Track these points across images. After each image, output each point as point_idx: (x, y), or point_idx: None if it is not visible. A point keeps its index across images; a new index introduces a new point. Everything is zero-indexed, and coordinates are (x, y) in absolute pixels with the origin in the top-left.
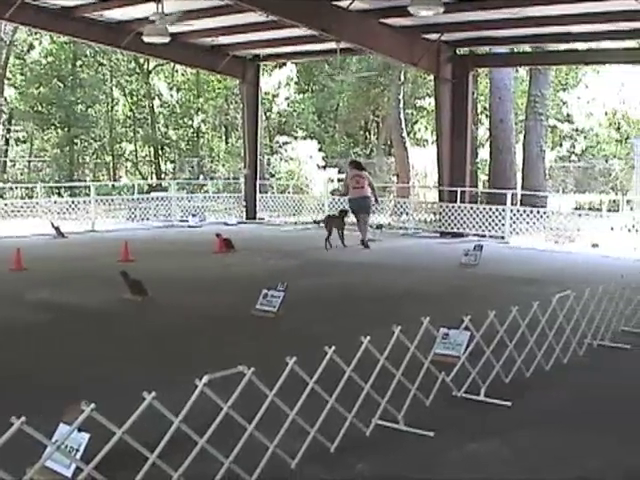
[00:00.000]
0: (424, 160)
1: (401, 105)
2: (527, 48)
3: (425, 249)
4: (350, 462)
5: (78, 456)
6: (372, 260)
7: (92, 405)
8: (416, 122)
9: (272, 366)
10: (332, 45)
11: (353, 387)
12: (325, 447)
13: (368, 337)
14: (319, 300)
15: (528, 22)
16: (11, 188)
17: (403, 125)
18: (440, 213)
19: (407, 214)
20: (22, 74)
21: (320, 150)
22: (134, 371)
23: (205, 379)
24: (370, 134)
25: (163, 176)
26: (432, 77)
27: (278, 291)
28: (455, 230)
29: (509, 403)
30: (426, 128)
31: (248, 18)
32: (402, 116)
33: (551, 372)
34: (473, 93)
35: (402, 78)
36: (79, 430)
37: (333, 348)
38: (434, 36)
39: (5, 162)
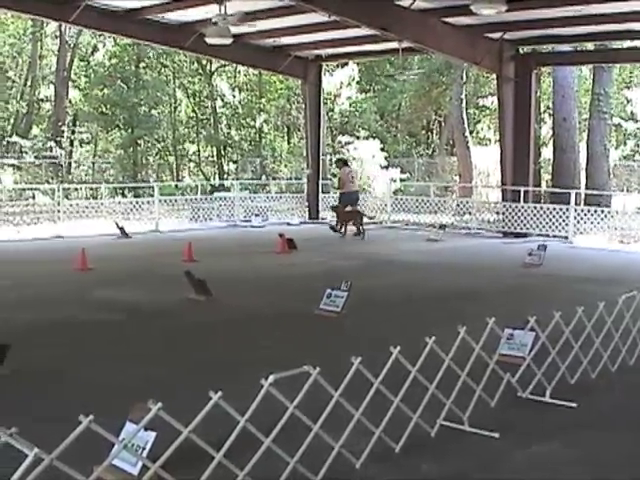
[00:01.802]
0: (486, 159)
1: (463, 104)
2: (590, 46)
3: (488, 249)
4: (415, 463)
5: (144, 454)
6: (435, 260)
7: (159, 404)
8: (478, 121)
9: (336, 366)
10: (394, 45)
11: (418, 388)
12: (390, 447)
13: (433, 337)
14: (382, 300)
15: (591, 20)
16: (76, 189)
17: (465, 124)
18: (503, 213)
19: (470, 214)
20: (86, 76)
21: (382, 150)
22: (198, 370)
23: (271, 379)
24: (432, 134)
25: (226, 176)
26: (494, 76)
27: (342, 291)
28: (518, 230)
29: (575, 404)
30: (489, 127)
31: (310, 18)
32: (464, 115)
33: (617, 373)
34: (536, 92)
35: (464, 77)
36: (145, 429)
37: (398, 348)
38: (496, 35)
39: (70, 163)
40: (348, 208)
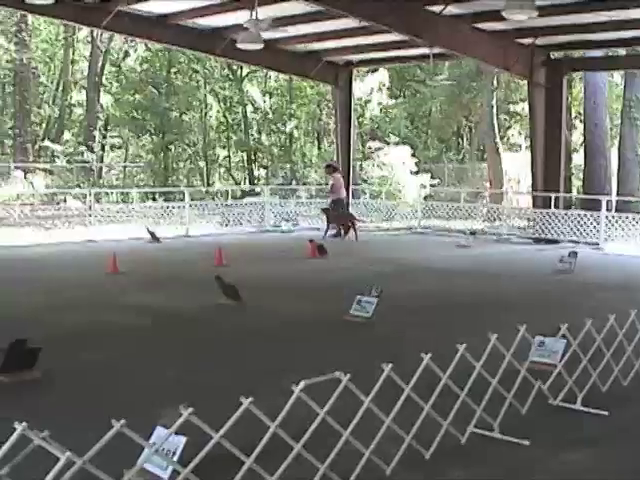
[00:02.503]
0: (517, 166)
1: (494, 110)
2: (622, 51)
3: (519, 255)
4: (445, 469)
5: (175, 459)
6: (465, 266)
7: (190, 409)
8: (509, 127)
9: (367, 372)
10: (425, 50)
11: (448, 394)
12: (420, 454)
13: (464, 344)
14: (413, 306)
15: (623, 25)
16: (107, 193)
17: (496, 130)
18: (534, 219)
19: (500, 220)
20: (118, 81)
21: (413, 156)
22: (227, 375)
23: (302, 385)
24: (463, 139)
25: (256, 181)
26: (525, 82)
27: (372, 297)
28: (549, 236)
29: (606, 412)
30: (519, 133)
31: (341, 24)
32: (495, 121)
33: None
34: (567, 98)
35: (495, 83)
36: (176, 433)
37: (429, 355)
38: (528, 40)
39: (101, 168)
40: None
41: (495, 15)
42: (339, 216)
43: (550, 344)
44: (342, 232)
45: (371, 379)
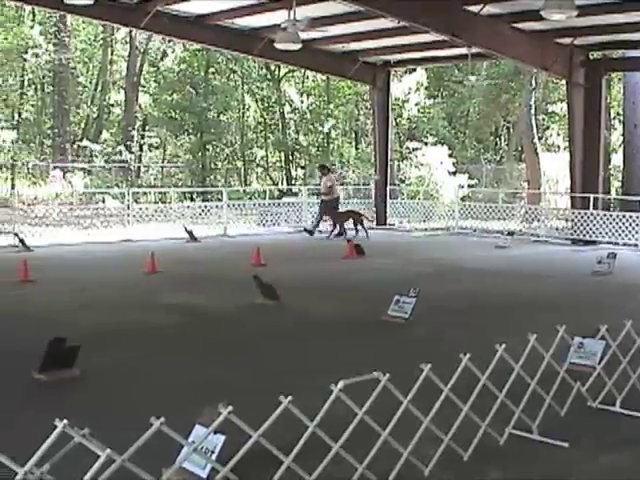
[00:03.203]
0: (555, 166)
1: (532, 110)
2: None
3: (557, 256)
4: (483, 471)
5: (213, 457)
6: (503, 267)
7: (229, 407)
8: (547, 128)
9: (405, 372)
10: (463, 50)
11: (486, 395)
12: (458, 455)
13: (503, 345)
14: (451, 307)
15: None
16: (145, 193)
17: (534, 130)
18: (572, 220)
19: (538, 221)
20: (156, 81)
21: (450, 156)
22: (265, 375)
23: (341, 384)
24: (501, 140)
25: (293, 181)
26: (564, 82)
27: (410, 297)
28: (587, 237)
29: None
30: (558, 134)
31: (379, 24)
32: (533, 121)
33: None
34: (606, 98)
35: (533, 83)
36: (214, 432)
37: (468, 355)
38: (567, 40)
39: (139, 167)
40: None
41: (534, 15)
42: (340, 214)
43: (589, 345)
44: (345, 231)
45: (409, 379)
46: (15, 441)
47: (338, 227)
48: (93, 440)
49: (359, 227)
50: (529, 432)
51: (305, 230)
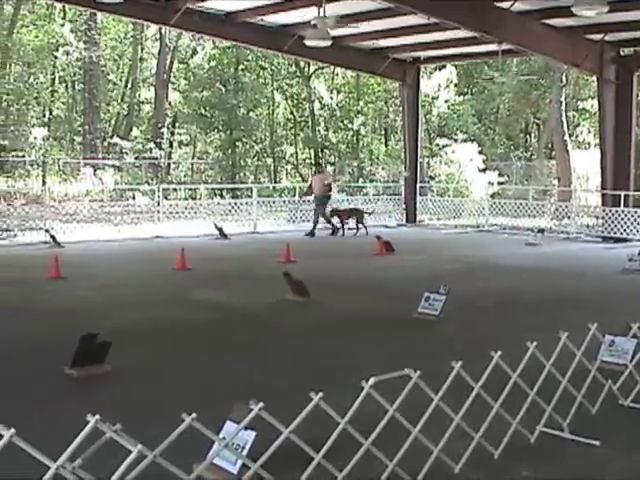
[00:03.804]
0: (586, 163)
1: (563, 107)
2: None
3: (587, 254)
4: (514, 469)
5: (244, 454)
6: (534, 264)
7: (260, 403)
8: (578, 124)
9: (435, 369)
10: (493, 47)
11: (517, 393)
12: (488, 452)
13: (535, 342)
14: (481, 304)
15: None
16: (175, 189)
17: (565, 127)
18: (603, 217)
19: (568, 218)
20: (186, 78)
21: (480, 153)
22: (297, 371)
23: (372, 381)
24: (531, 137)
25: None
26: (595, 78)
27: (440, 294)
28: (618, 235)
29: None
30: (589, 131)
31: (409, 21)
32: (564, 118)
33: None
34: (637, 94)
35: (564, 79)
36: (245, 428)
37: (499, 353)
38: (597, 36)
39: (169, 164)
40: (328, 208)
41: (564, 11)
42: (342, 211)
43: (621, 344)
44: (341, 229)
45: (440, 376)
46: (47, 436)
47: (331, 225)
48: (125, 435)
49: (359, 225)
50: (560, 430)
51: (306, 234)
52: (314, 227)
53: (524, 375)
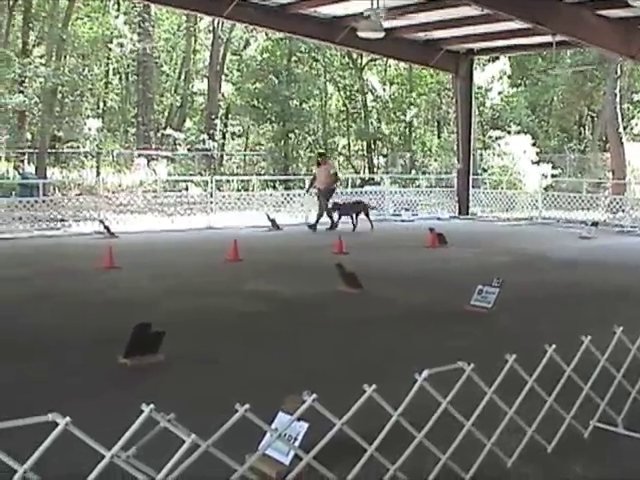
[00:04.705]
0: None
1: (617, 99)
2: None
3: None
4: (567, 464)
5: (296, 444)
6: (586, 258)
7: (314, 395)
8: (633, 117)
9: (488, 362)
10: (547, 38)
11: (571, 387)
12: (541, 447)
13: (589, 337)
14: (534, 297)
15: None
16: (228, 181)
17: (619, 120)
18: None
19: (623, 211)
20: (238, 70)
21: (534, 145)
22: (349, 363)
23: (425, 373)
24: (585, 129)
25: (375, 170)
26: None
27: (493, 287)
28: None
29: None
30: None
31: (462, 12)
32: (618, 110)
33: None
34: None
35: (619, 71)
36: (298, 419)
37: (553, 346)
38: None
39: (222, 155)
40: (331, 201)
41: (618, 2)
42: (350, 205)
43: None
44: (337, 223)
45: (493, 370)
46: (101, 425)
47: (330, 218)
48: (178, 425)
49: (364, 218)
50: (614, 426)
51: (308, 226)
52: (317, 220)
53: (578, 369)
